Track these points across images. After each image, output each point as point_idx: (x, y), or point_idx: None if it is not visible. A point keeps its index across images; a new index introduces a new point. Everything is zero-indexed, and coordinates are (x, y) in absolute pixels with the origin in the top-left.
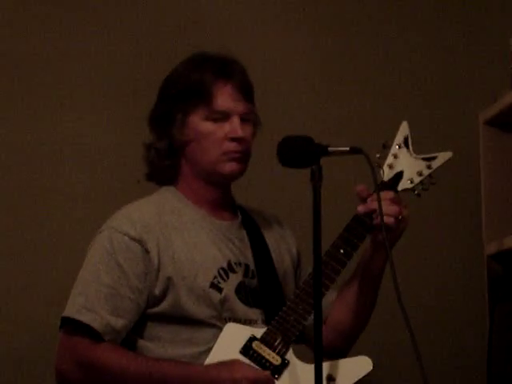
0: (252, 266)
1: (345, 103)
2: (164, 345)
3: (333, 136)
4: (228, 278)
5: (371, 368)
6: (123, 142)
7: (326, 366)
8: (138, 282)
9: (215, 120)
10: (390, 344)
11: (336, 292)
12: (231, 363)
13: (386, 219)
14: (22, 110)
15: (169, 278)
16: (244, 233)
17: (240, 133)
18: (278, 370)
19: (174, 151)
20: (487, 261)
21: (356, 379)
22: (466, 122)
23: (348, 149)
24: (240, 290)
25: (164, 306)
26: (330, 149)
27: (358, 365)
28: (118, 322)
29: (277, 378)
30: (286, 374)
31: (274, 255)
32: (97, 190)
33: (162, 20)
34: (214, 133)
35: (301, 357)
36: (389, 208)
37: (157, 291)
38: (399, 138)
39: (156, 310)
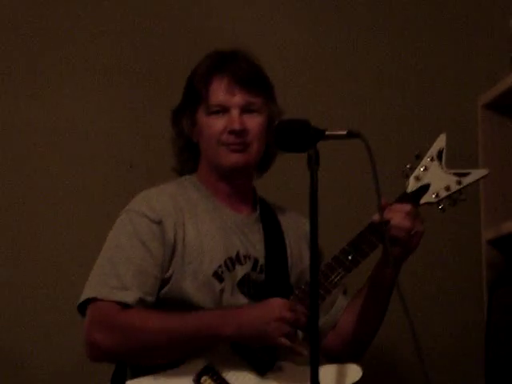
0: (262, 261)
1: (344, 87)
2: None
3: (333, 121)
4: (234, 268)
5: (359, 377)
6: (117, 127)
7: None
8: (161, 261)
9: (215, 113)
10: (389, 330)
11: (343, 296)
12: (265, 302)
13: (397, 232)
14: (19, 91)
15: (177, 262)
16: (260, 227)
17: (237, 125)
18: (267, 367)
19: (193, 146)
20: (485, 246)
21: None
22: (465, 106)
23: (345, 133)
24: (244, 283)
25: (165, 290)
26: (327, 133)
27: (346, 372)
28: (147, 299)
29: (262, 375)
30: (272, 372)
31: (290, 254)
32: (91, 176)
33: (163, 8)
34: (213, 126)
35: (292, 358)
36: (402, 222)
37: (167, 274)
38: (433, 151)
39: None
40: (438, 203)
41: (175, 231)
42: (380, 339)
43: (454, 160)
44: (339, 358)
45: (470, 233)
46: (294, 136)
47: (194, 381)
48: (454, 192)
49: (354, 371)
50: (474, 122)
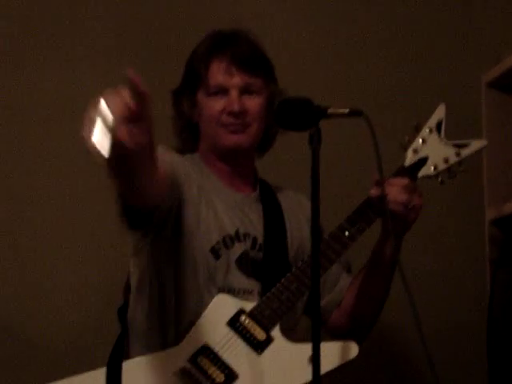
0: (260, 240)
1: (346, 65)
2: None
3: (334, 99)
4: (233, 246)
5: (356, 354)
6: None
7: (310, 346)
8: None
9: (215, 94)
10: (391, 310)
11: (347, 274)
12: None
13: (394, 206)
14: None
15: (184, 217)
16: (259, 207)
17: (236, 106)
18: (262, 345)
19: (193, 127)
20: (488, 226)
21: (339, 363)
22: (468, 84)
23: (347, 111)
24: (242, 260)
25: (167, 233)
26: (329, 111)
27: (343, 349)
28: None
29: (259, 353)
30: (268, 351)
31: (290, 233)
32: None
33: None
34: (212, 107)
35: (288, 335)
36: (399, 195)
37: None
38: (432, 122)
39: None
40: (437, 176)
41: (191, 191)
42: (382, 318)
43: (458, 139)
44: (344, 336)
45: (472, 212)
46: (295, 114)
47: (190, 361)
48: (453, 164)
49: (352, 348)
50: (478, 101)
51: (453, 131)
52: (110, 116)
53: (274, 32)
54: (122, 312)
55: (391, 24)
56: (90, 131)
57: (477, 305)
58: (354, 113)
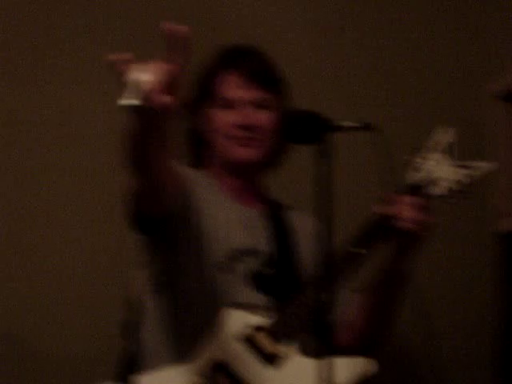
0: (269, 255)
1: (352, 77)
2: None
3: (340, 113)
4: (242, 260)
5: (375, 370)
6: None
7: (325, 362)
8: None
9: (227, 108)
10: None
11: (354, 294)
12: None
13: (403, 224)
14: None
15: (193, 231)
16: (269, 223)
17: (248, 120)
18: (278, 361)
19: (201, 140)
20: (498, 239)
21: (358, 379)
22: (473, 96)
23: (360, 125)
24: (251, 275)
25: (176, 246)
26: (340, 124)
27: (361, 365)
28: None
29: (275, 369)
30: (287, 367)
31: (299, 250)
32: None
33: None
34: (224, 120)
35: (306, 351)
36: (411, 214)
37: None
38: (444, 145)
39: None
40: (447, 196)
41: (202, 202)
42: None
43: (463, 150)
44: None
45: (482, 224)
46: (305, 128)
47: (205, 376)
48: (465, 185)
49: (369, 364)
50: (483, 112)
51: (459, 143)
52: (144, 79)
53: (285, 45)
54: (128, 329)
55: (396, 33)
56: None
57: (487, 318)
58: (366, 127)
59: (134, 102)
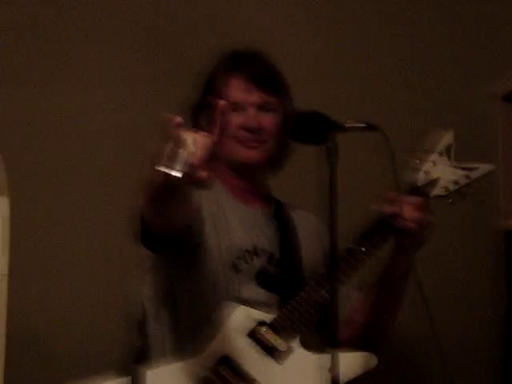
0: (277, 255)
1: (356, 78)
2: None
3: (345, 115)
4: (252, 260)
5: (375, 363)
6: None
7: (329, 356)
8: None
9: (232, 111)
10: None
11: (355, 291)
12: None
13: (409, 223)
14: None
15: (204, 234)
16: (274, 223)
17: (253, 123)
18: (283, 356)
19: None
20: (504, 237)
21: (358, 373)
22: (482, 98)
23: (364, 125)
24: (261, 274)
25: (187, 250)
26: (347, 125)
27: (362, 359)
28: None
29: (280, 364)
30: (289, 361)
31: (304, 250)
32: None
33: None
34: (229, 123)
35: (307, 346)
36: (412, 213)
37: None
38: (441, 146)
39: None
40: (448, 196)
41: (214, 208)
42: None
43: (464, 150)
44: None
45: (488, 223)
46: (312, 128)
47: (211, 371)
48: (463, 186)
49: (370, 358)
50: (492, 115)
51: (467, 145)
52: (191, 150)
53: (288, 47)
54: (142, 326)
55: (401, 37)
56: (170, 161)
57: (493, 316)
58: (371, 127)
59: (176, 174)
